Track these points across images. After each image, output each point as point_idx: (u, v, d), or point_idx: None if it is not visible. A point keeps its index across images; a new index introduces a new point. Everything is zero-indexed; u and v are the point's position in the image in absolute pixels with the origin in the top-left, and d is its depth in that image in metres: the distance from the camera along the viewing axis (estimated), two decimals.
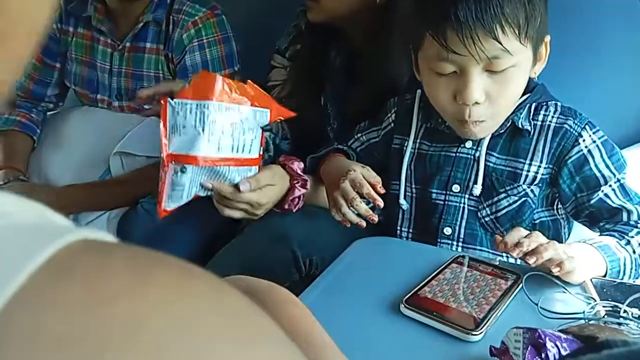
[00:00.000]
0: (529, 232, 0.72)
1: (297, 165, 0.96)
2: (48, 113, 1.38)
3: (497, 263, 0.76)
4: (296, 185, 0.95)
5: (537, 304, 0.67)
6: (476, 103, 0.80)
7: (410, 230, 0.96)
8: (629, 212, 0.82)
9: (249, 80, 0.85)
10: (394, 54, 1.04)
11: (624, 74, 1.18)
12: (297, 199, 0.95)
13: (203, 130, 0.80)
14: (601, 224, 0.84)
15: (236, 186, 0.86)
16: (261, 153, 0.89)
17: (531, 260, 0.67)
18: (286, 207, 0.96)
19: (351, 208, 0.83)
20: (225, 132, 0.81)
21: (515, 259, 0.87)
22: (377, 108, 1.07)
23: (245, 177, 0.86)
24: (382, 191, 0.86)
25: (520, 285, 0.71)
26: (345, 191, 0.84)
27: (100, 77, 1.31)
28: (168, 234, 1.13)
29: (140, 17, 1.23)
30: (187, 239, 1.15)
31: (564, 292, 0.70)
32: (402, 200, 0.95)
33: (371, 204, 0.85)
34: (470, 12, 0.76)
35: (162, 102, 0.82)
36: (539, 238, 0.70)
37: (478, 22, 0.76)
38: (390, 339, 0.65)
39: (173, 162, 0.82)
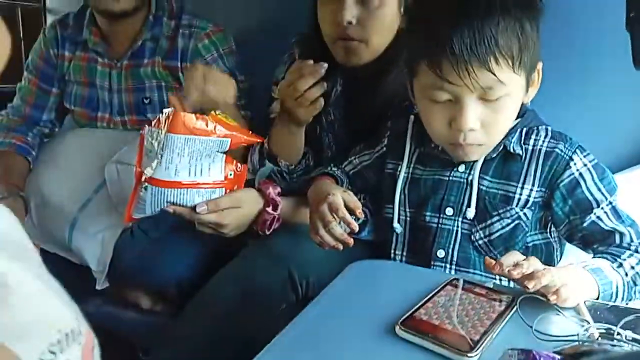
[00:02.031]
0: (524, 256, 0.73)
1: (272, 190, 1.01)
2: (45, 139, 1.40)
3: (491, 286, 0.77)
4: (267, 209, 1.00)
5: (531, 327, 0.68)
6: (471, 129, 0.83)
7: (404, 254, 0.98)
8: (622, 235, 0.84)
9: (211, 112, 0.97)
10: (399, 78, 1.06)
11: (617, 97, 1.21)
12: (267, 222, 1.00)
13: (162, 157, 0.92)
14: (594, 246, 0.86)
15: (195, 208, 0.96)
16: (229, 176, 0.99)
17: (530, 285, 0.69)
18: (258, 228, 1.01)
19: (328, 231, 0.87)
20: (183, 160, 0.93)
21: (509, 282, 0.88)
22: (374, 132, 1.09)
23: (206, 199, 0.97)
24: (361, 216, 0.90)
25: (515, 308, 0.72)
26: (323, 214, 0.87)
27: (100, 95, 1.35)
28: (165, 255, 1.14)
29: (137, 36, 1.28)
30: (184, 260, 1.16)
31: (558, 314, 0.71)
32: (395, 224, 0.97)
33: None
34: (465, 45, 0.78)
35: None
36: (536, 263, 0.72)
37: (473, 55, 0.79)
38: None
39: (142, 178, 0.95)
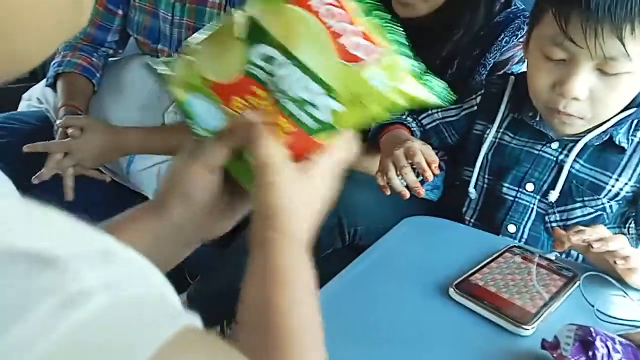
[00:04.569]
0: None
1: None
2: (109, 59, 1.40)
3: (553, 258, 0.73)
4: None
5: (593, 306, 0.65)
6: (575, 98, 0.75)
7: (473, 221, 0.94)
8: None
9: None
10: (470, 26, 0.98)
11: None
12: None
13: None
14: None
15: None
16: None
17: (596, 245, 0.65)
18: None
19: (399, 176, 0.81)
20: None
21: (573, 257, 0.83)
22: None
23: None
24: (437, 172, 0.83)
25: (577, 284, 0.69)
26: (397, 158, 0.81)
27: (162, 27, 1.32)
28: None
29: None
30: None
31: (623, 296, 0.67)
32: (471, 189, 0.93)
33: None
34: (603, 2, 0.70)
35: None
36: (604, 231, 0.68)
37: (608, 16, 0.70)
38: (437, 321, 0.65)
39: None
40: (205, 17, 1.27)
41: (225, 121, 0.45)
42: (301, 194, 0.45)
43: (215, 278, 0.99)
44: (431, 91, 0.44)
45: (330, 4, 0.41)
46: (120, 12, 1.36)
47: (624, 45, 0.70)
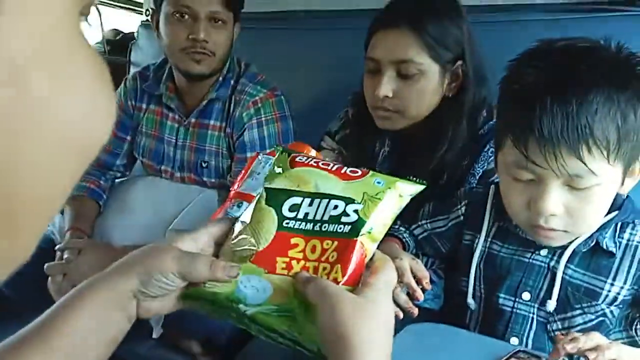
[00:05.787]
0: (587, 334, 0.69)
1: None
2: (116, 180, 1.45)
3: None
4: None
5: None
6: (552, 215, 0.76)
7: (477, 332, 0.91)
8: None
9: None
10: (454, 141, 1.03)
11: None
12: None
13: None
14: None
15: None
16: None
17: (591, 356, 0.65)
18: None
19: None
20: None
21: None
22: (427, 193, 1.05)
23: None
24: (428, 287, 0.84)
25: None
26: None
27: (166, 149, 1.39)
28: None
29: (205, 95, 1.31)
30: None
31: None
32: (470, 300, 0.91)
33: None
34: (555, 129, 0.72)
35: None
36: (600, 338, 0.68)
37: (562, 140, 0.72)
38: None
39: (235, 198, 0.93)
40: (207, 139, 1.35)
41: (272, 290, 0.50)
42: (371, 318, 0.44)
43: None
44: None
45: (317, 159, 0.58)
46: (128, 138, 1.45)
47: (585, 164, 0.72)
